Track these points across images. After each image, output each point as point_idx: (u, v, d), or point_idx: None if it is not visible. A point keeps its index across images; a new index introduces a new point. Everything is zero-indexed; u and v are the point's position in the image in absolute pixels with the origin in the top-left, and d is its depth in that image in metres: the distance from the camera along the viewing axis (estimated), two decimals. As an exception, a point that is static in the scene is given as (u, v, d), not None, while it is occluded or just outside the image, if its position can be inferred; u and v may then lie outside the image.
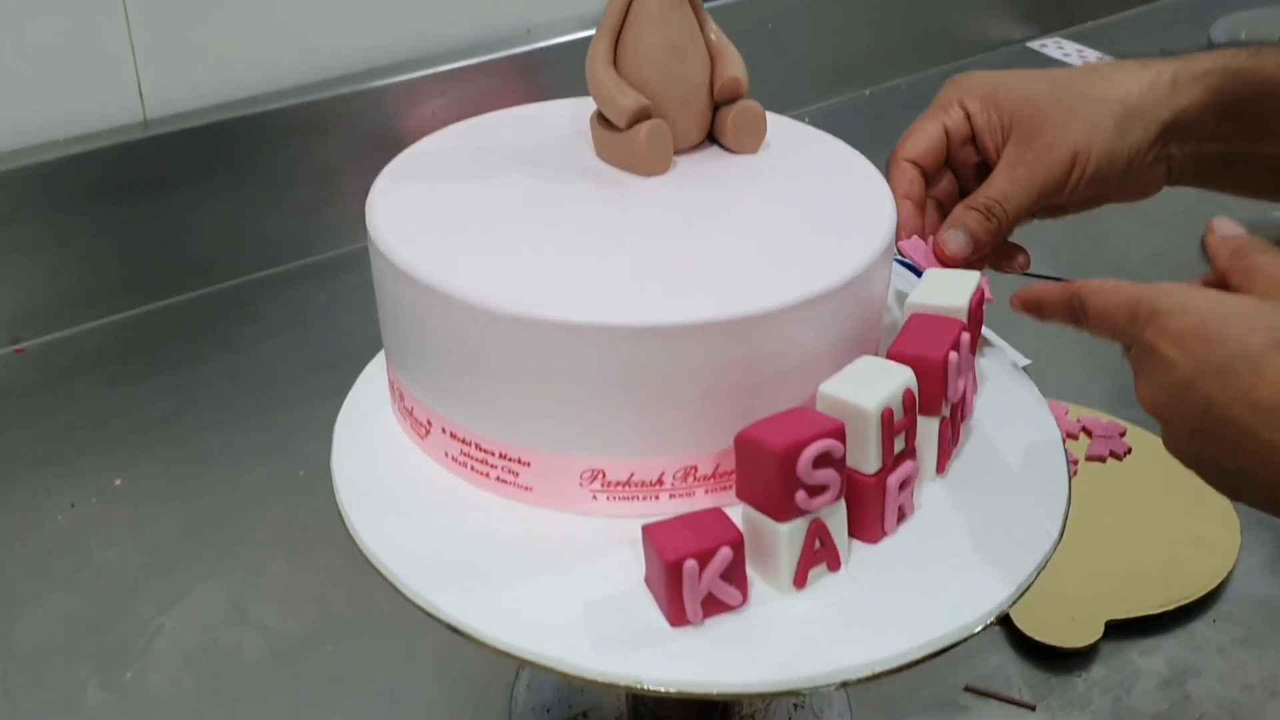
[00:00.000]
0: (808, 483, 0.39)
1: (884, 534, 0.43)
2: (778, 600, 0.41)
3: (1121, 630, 0.65)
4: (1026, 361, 0.88)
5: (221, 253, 0.95)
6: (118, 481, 0.76)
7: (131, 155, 0.89)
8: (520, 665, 0.40)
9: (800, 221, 0.46)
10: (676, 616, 0.40)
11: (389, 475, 0.47)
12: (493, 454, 0.44)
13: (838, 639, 0.40)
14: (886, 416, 0.41)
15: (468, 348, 0.42)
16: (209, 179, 0.93)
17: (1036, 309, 0.48)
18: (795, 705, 0.60)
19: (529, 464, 0.44)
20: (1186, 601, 0.66)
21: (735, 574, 0.40)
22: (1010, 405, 0.51)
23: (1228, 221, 0.45)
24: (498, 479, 0.45)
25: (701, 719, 0.59)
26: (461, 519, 0.45)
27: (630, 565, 0.42)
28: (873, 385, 0.41)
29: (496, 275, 0.42)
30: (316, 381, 0.53)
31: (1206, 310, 0.40)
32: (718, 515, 0.41)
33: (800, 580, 0.41)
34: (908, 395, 0.42)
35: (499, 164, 0.50)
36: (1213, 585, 0.67)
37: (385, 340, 0.48)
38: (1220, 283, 0.43)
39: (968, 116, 0.54)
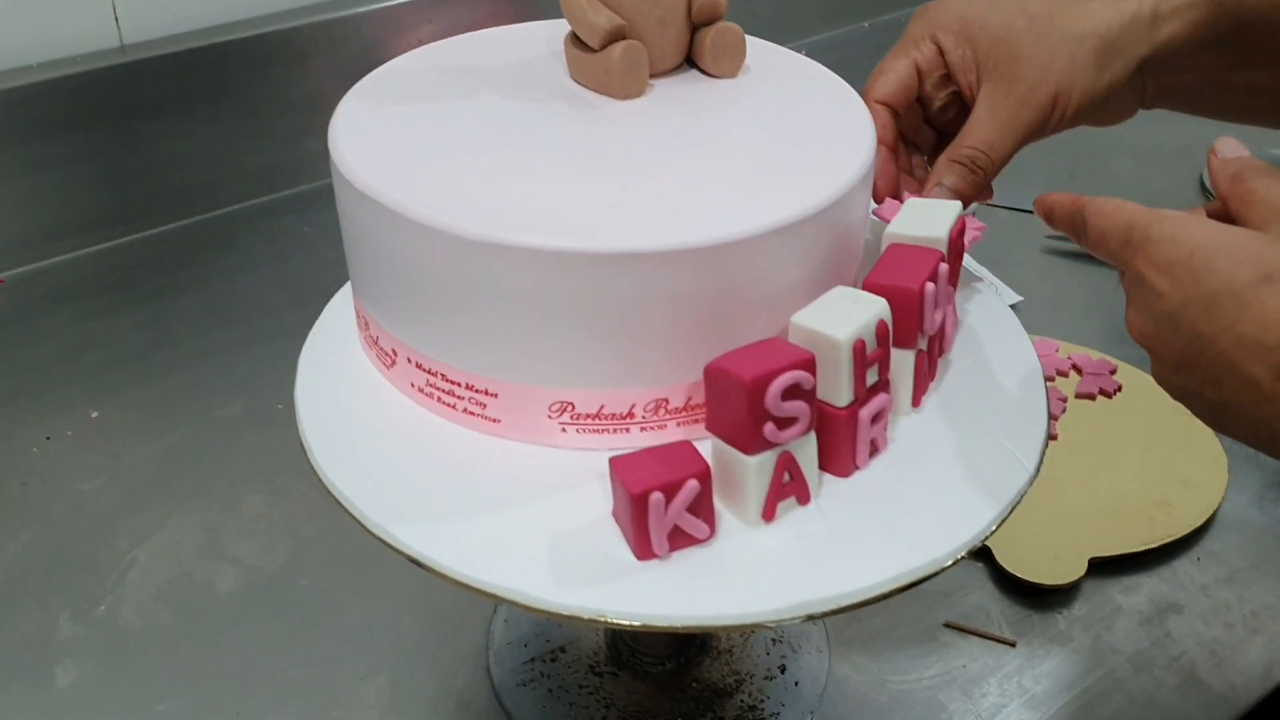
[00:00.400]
0: (776, 415, 0.38)
1: (856, 468, 0.42)
2: (746, 533, 0.40)
3: (1105, 568, 0.65)
4: (1018, 298, 0.87)
5: (201, 183, 0.94)
6: (94, 414, 0.75)
7: (107, 82, 0.87)
8: (492, 600, 0.40)
9: (777, 147, 0.45)
10: (643, 550, 0.39)
11: (354, 406, 0.46)
12: (459, 385, 0.43)
13: (805, 572, 0.39)
14: (859, 348, 0.40)
15: (431, 274, 0.41)
16: (187, 107, 0.91)
17: (1049, 216, 0.46)
18: (773, 640, 0.60)
19: (496, 395, 0.43)
20: (1171, 540, 0.66)
21: (702, 507, 0.39)
22: (992, 340, 0.49)
23: (1231, 142, 0.43)
24: (465, 410, 0.44)
25: (678, 653, 0.59)
26: (427, 451, 0.44)
27: (599, 498, 0.41)
28: (845, 316, 0.40)
29: (461, 198, 0.41)
30: (296, 314, 0.52)
31: (1196, 241, 0.39)
32: (685, 448, 0.40)
33: (769, 513, 0.40)
34: (881, 326, 0.40)
35: (470, 85, 0.48)
36: (1198, 524, 0.67)
37: (350, 267, 0.47)
38: (1222, 209, 0.42)
39: (940, 52, 0.52)
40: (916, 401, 0.45)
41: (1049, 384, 0.77)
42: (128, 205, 0.91)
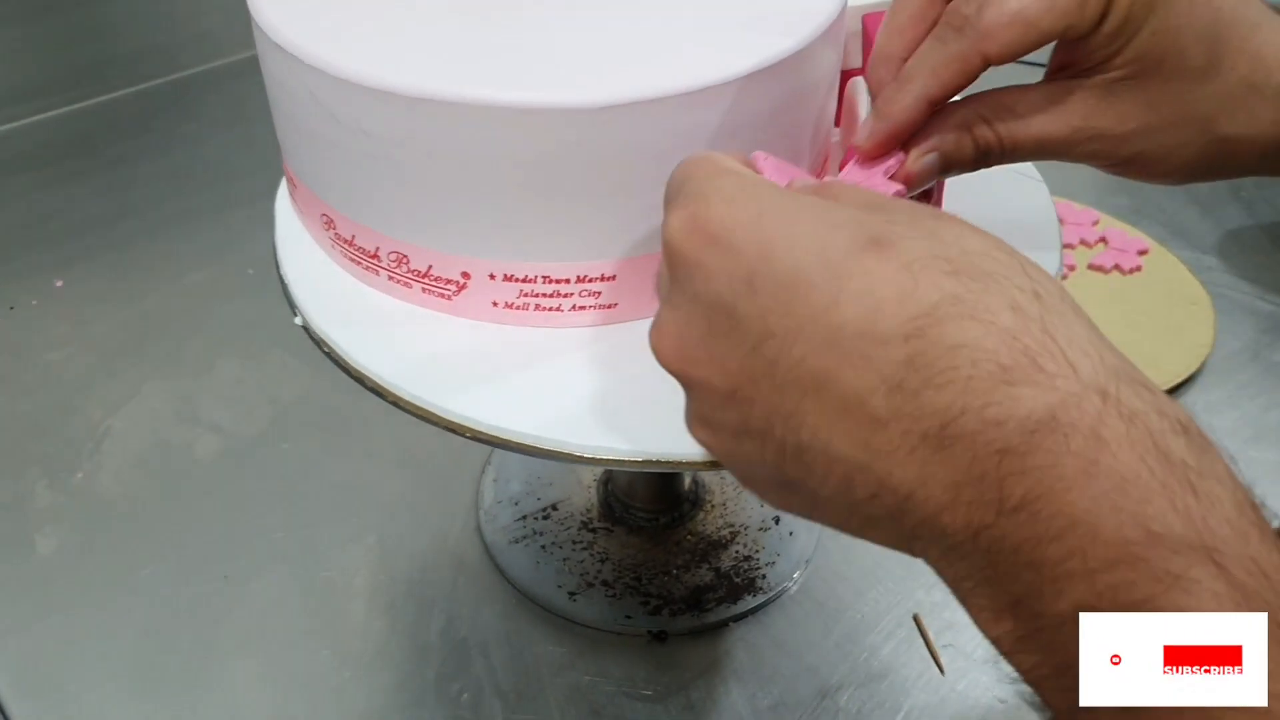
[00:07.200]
0: None
1: None
2: None
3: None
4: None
5: (158, 45, 0.90)
6: (58, 283, 0.73)
7: (51, -64, 0.82)
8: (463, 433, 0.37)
9: None
10: None
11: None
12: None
13: None
14: None
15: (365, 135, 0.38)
16: (138, -36, 0.87)
17: None
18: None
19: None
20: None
21: None
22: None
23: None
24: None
25: (671, 507, 0.58)
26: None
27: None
28: None
29: (394, 51, 0.37)
30: (263, 177, 0.49)
31: (767, 201, 0.26)
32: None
33: None
34: None
35: None
36: (1180, 379, 0.66)
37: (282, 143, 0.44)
38: None
39: None
40: None
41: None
42: (83, 69, 0.87)
